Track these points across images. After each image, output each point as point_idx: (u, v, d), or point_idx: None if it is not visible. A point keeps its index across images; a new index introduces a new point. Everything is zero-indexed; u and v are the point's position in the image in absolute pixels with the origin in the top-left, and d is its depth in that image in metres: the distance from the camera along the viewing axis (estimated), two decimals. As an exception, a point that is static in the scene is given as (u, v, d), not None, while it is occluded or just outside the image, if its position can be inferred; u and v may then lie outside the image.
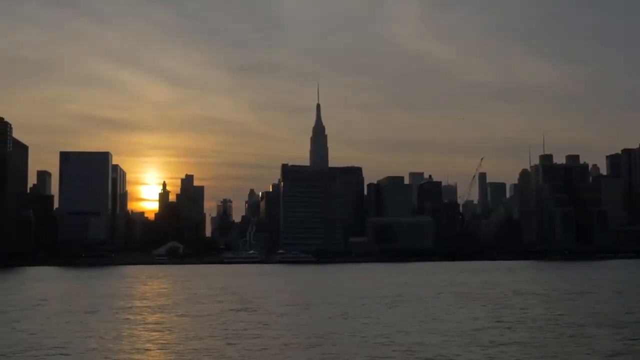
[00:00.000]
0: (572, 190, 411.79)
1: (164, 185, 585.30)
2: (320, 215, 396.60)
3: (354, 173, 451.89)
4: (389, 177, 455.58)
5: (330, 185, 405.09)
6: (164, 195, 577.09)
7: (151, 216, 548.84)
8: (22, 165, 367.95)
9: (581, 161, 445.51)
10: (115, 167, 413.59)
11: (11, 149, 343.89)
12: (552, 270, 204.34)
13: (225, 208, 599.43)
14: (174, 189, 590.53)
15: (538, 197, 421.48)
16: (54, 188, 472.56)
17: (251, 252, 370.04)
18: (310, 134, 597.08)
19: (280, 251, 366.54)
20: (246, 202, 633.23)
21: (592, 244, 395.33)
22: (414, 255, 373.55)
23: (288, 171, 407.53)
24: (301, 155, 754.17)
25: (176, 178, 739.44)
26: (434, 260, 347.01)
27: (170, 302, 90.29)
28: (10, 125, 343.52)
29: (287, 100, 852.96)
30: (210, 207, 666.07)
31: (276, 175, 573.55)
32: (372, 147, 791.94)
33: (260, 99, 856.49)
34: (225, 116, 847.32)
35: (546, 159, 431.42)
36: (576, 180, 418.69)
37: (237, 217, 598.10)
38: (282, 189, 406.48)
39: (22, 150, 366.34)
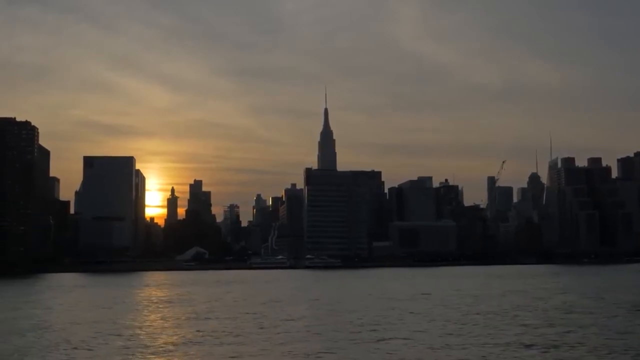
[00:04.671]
0: (595, 193, 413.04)
1: (173, 190, 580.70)
2: (345, 219, 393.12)
3: (375, 177, 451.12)
4: (411, 181, 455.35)
5: (354, 190, 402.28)
6: (172, 200, 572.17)
7: (160, 222, 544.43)
8: (46, 170, 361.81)
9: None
10: (137, 172, 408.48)
11: (37, 154, 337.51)
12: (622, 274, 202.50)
13: (233, 213, 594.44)
14: (181, 195, 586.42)
15: (560, 200, 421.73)
16: (62, 193, 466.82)
17: (279, 257, 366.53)
18: (313, 138, 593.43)
19: (309, 256, 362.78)
20: (253, 207, 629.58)
21: (616, 247, 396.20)
22: (438, 259, 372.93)
23: (312, 175, 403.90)
24: (306, 159, 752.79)
25: (181, 184, 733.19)
26: (459, 265, 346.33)
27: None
28: (38, 129, 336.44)
29: (290, 104, 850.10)
30: (215, 213, 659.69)
31: (287, 180, 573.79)
32: (377, 151, 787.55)
33: (262, 103, 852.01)
34: (228, 121, 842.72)
35: (567, 162, 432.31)
36: (598, 183, 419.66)
37: (243, 222, 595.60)
38: (306, 193, 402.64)
39: (45, 155, 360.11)
